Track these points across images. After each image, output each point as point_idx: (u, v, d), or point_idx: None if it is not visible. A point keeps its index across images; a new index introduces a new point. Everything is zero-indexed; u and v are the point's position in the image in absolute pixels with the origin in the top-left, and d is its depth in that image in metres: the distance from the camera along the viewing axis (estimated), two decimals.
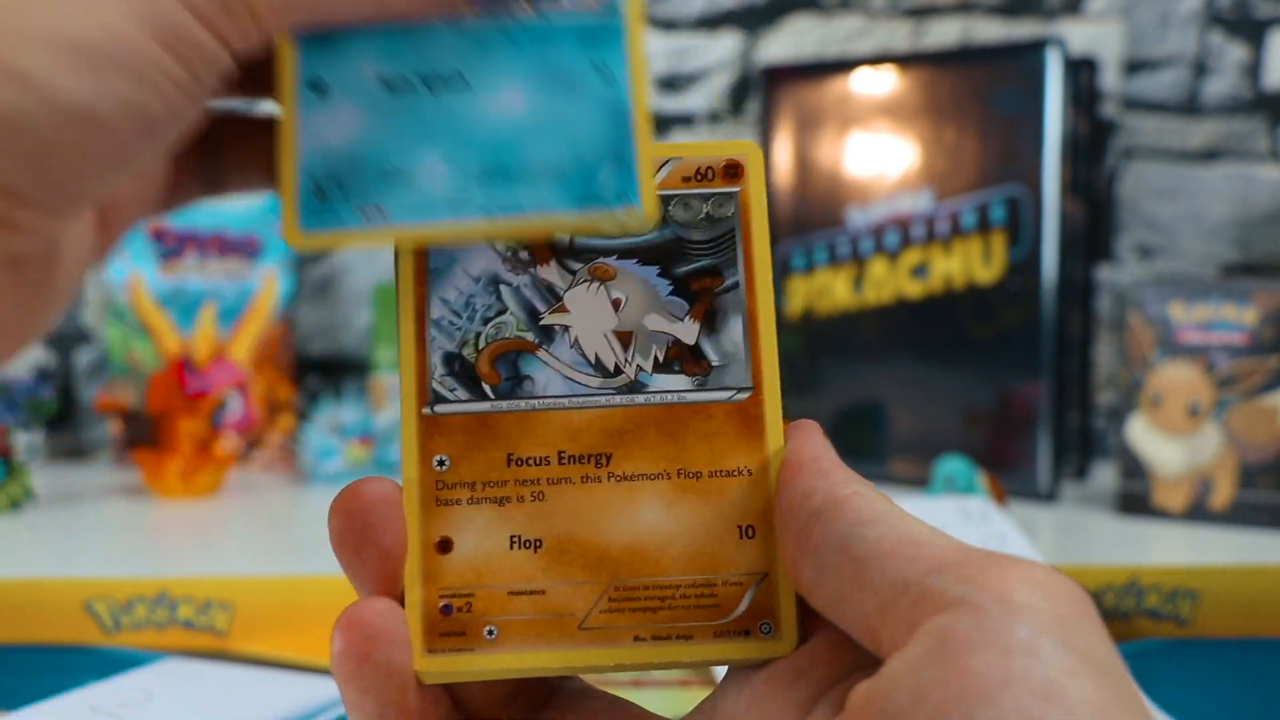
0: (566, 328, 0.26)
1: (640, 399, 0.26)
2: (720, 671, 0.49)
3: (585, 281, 0.26)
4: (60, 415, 1.04)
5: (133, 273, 0.98)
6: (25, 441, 0.78)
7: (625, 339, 0.26)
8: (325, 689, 0.50)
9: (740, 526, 0.25)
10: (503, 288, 0.26)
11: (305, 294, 1.06)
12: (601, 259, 0.26)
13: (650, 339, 0.26)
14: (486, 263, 0.26)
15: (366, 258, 1.06)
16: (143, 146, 0.22)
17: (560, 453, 0.25)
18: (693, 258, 0.26)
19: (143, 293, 0.98)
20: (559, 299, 0.26)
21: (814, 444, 0.25)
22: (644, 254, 0.26)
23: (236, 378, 0.97)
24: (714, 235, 0.26)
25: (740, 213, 0.26)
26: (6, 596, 0.57)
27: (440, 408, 0.25)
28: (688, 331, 0.26)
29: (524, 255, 0.26)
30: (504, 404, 0.25)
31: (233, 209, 0.99)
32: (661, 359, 0.26)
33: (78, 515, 0.76)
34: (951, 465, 0.78)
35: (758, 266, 0.26)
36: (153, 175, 0.26)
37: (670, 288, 0.26)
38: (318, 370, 1.07)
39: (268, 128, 0.27)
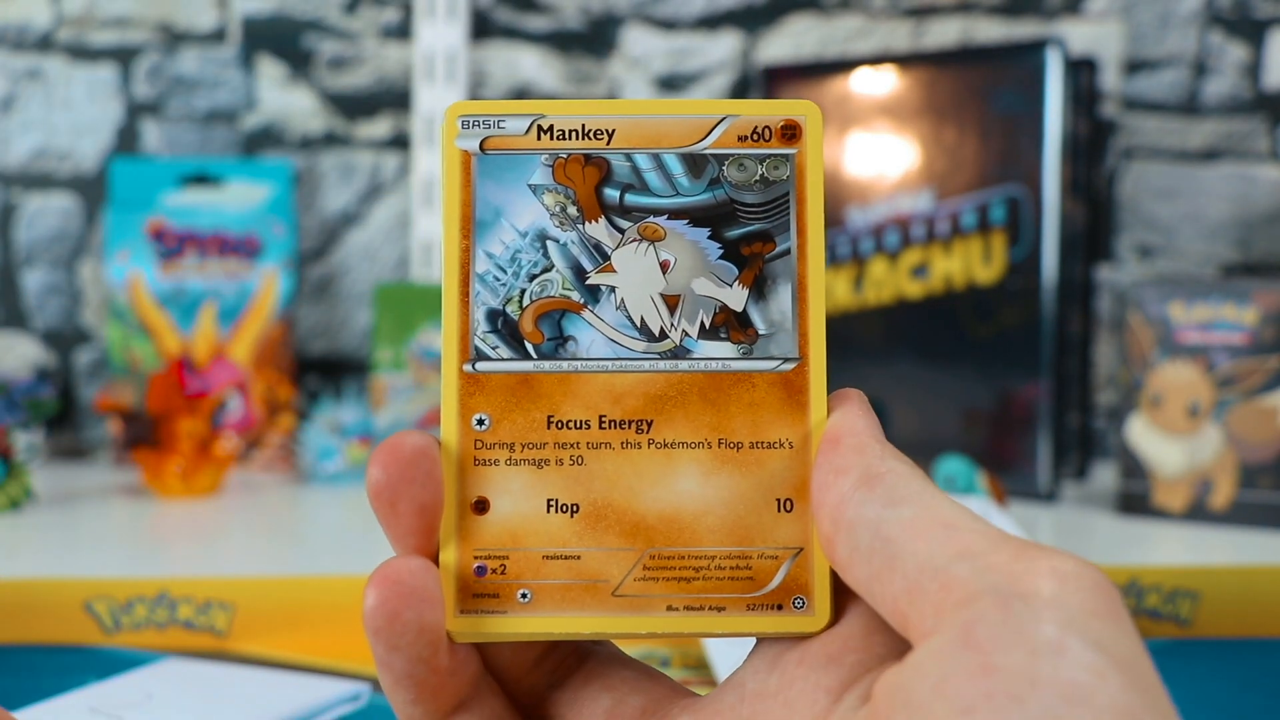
0: (613, 288, 0.25)
1: (684, 365, 0.25)
2: (723, 672, 0.49)
3: (634, 241, 0.26)
4: (60, 415, 1.04)
5: (132, 272, 0.98)
6: (25, 441, 0.78)
7: (672, 303, 0.25)
8: (325, 689, 0.50)
9: (779, 499, 0.25)
10: (550, 244, 0.26)
11: (305, 294, 1.06)
12: (652, 218, 0.26)
13: (697, 303, 0.25)
14: (534, 217, 0.26)
15: (366, 257, 1.06)
16: None
17: (601, 417, 0.25)
18: (744, 221, 0.26)
19: (143, 293, 0.98)
20: (606, 258, 0.25)
21: (854, 417, 0.24)
22: (695, 215, 0.26)
23: (236, 378, 0.97)
24: (768, 199, 0.26)
25: (796, 176, 0.26)
26: (6, 596, 0.57)
27: (482, 365, 0.25)
28: (736, 297, 0.25)
29: (573, 211, 0.26)
30: (546, 364, 0.25)
31: (233, 209, 0.99)
32: (708, 325, 0.25)
33: (78, 515, 0.76)
34: (951, 465, 0.78)
35: (810, 233, 0.25)
36: None
37: (720, 251, 0.25)
38: (318, 370, 1.07)
39: None
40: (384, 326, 0.97)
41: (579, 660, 0.26)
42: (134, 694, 0.48)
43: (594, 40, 1.06)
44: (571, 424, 0.25)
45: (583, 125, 0.26)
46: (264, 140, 1.06)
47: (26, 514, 0.76)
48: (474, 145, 0.26)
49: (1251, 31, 1.03)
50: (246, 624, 0.57)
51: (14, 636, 0.57)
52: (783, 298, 0.25)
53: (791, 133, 0.26)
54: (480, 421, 0.25)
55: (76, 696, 0.48)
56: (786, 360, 0.25)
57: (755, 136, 0.26)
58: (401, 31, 1.05)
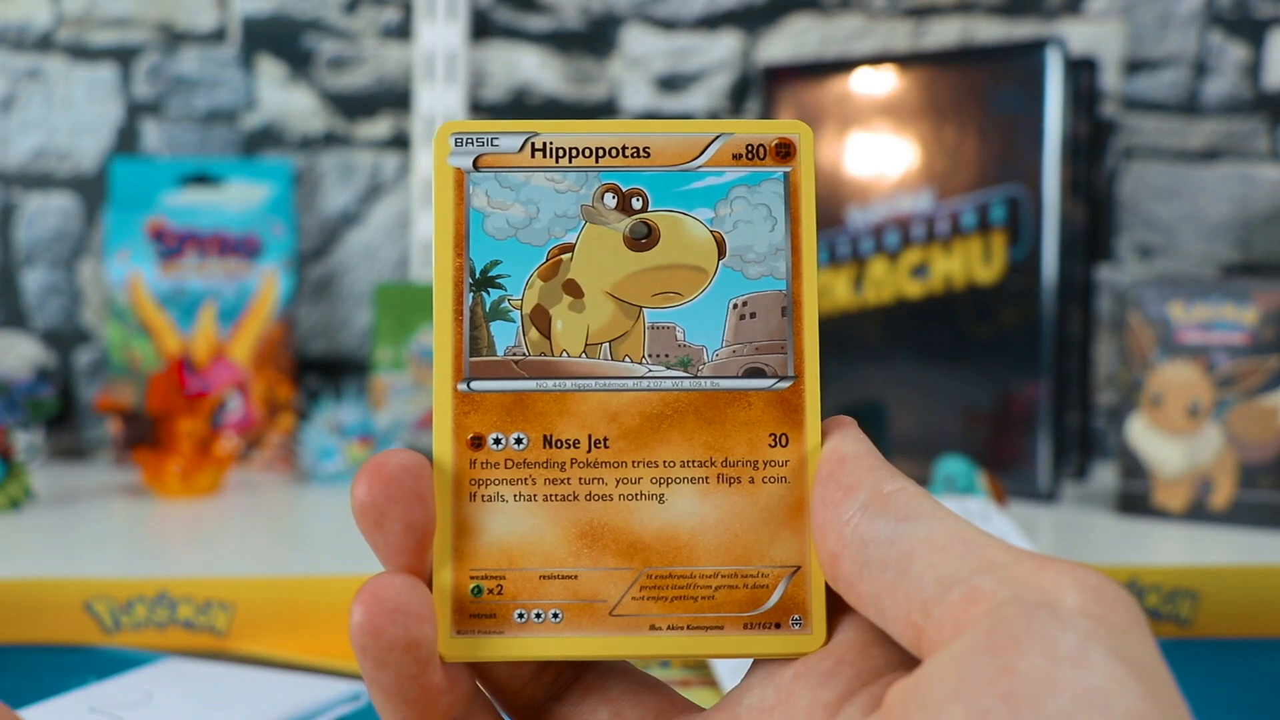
0: None
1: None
2: (720, 672, 0.49)
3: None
4: (60, 415, 1.04)
5: (133, 272, 0.98)
6: (25, 441, 0.78)
7: None
8: (325, 689, 0.50)
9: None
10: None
11: (305, 294, 1.06)
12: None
13: None
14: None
15: (366, 257, 1.06)
16: None
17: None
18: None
19: (143, 292, 0.98)
20: None
21: (856, 440, 0.24)
22: None
23: (236, 378, 0.97)
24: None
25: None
26: (6, 596, 0.57)
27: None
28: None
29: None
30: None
31: (233, 209, 0.99)
32: None
33: (78, 515, 0.76)
34: (951, 465, 0.78)
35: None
36: None
37: None
38: (318, 370, 1.07)
39: None
40: (384, 326, 0.97)
41: (577, 673, 0.26)
42: (134, 694, 0.48)
43: (594, 40, 1.06)
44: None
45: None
46: (264, 140, 1.06)
47: (26, 514, 0.76)
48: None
49: (1251, 31, 1.03)
50: (246, 624, 0.57)
51: (14, 636, 0.57)
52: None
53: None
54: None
55: (76, 696, 0.48)
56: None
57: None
58: (401, 31, 1.05)
